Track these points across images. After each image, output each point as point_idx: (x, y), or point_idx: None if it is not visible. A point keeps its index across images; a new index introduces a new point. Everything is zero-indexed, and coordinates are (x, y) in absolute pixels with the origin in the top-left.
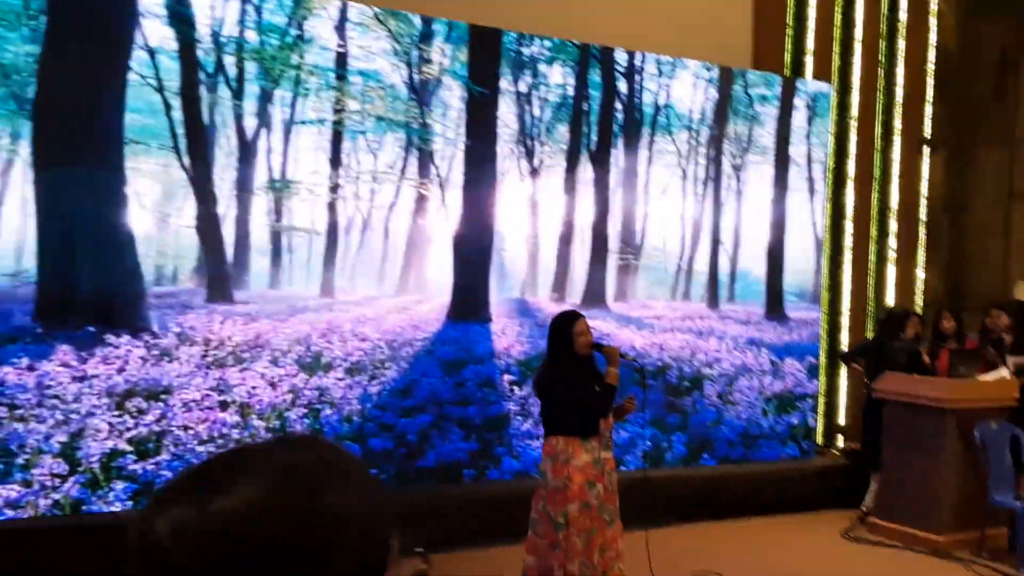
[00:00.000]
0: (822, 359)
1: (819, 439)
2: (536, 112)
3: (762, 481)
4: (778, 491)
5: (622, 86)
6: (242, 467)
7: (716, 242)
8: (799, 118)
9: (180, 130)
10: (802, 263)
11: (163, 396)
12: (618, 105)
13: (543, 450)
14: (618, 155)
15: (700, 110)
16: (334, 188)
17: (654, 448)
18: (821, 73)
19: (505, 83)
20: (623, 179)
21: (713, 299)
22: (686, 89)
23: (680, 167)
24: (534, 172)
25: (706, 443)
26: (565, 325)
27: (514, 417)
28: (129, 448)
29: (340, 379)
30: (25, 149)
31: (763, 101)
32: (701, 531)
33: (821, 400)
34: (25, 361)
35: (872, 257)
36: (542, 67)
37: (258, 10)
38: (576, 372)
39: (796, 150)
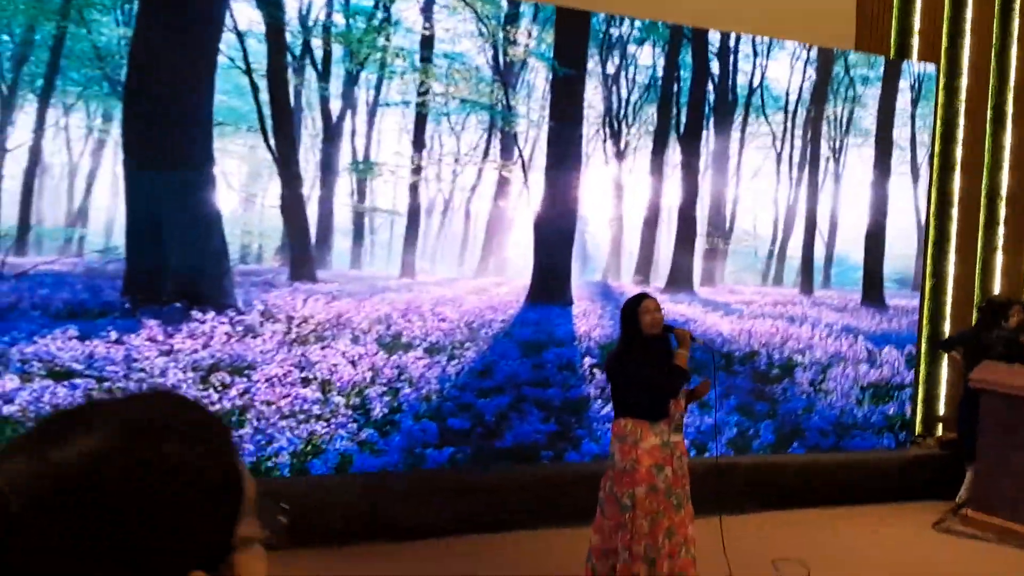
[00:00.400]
0: (922, 348)
1: (917, 429)
2: (623, 93)
3: (853, 470)
4: (869, 481)
5: (714, 67)
6: (84, 420)
7: (811, 226)
8: (903, 100)
9: (267, 111)
10: (903, 249)
11: (247, 371)
12: (710, 86)
13: (612, 431)
14: (709, 137)
15: (797, 91)
16: (416, 170)
17: (740, 435)
18: (928, 55)
19: (592, 64)
20: (713, 161)
21: (807, 285)
22: (783, 70)
23: (775, 149)
24: (620, 154)
25: (796, 432)
26: (634, 305)
27: (594, 400)
28: None
29: (419, 358)
30: (116, 130)
31: (865, 82)
32: (786, 519)
33: (920, 389)
34: (114, 335)
35: (979, 245)
36: (631, 48)
37: None
38: (645, 353)
39: (899, 133)
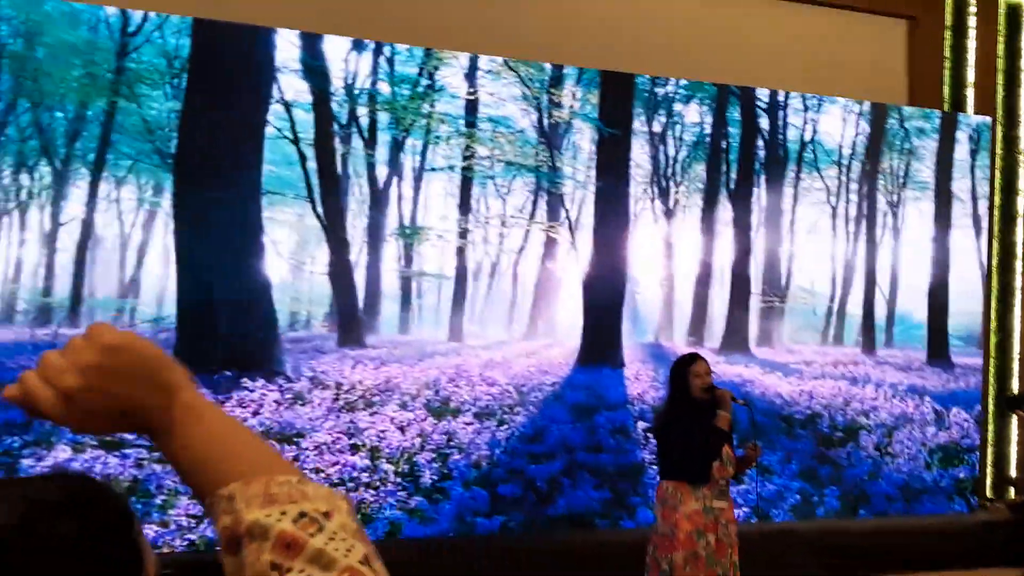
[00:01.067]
0: (989, 407)
1: (987, 492)
2: (671, 151)
3: (919, 536)
4: (937, 547)
5: (764, 122)
6: None
7: (871, 283)
8: (961, 152)
9: (314, 180)
10: (968, 305)
11: (296, 439)
12: (760, 142)
13: (656, 494)
14: (760, 193)
15: (851, 145)
16: (463, 233)
17: (803, 501)
18: (983, 107)
19: (638, 123)
20: (766, 218)
21: (868, 344)
22: (835, 123)
23: (829, 204)
24: (669, 212)
25: (862, 497)
26: (683, 366)
27: (649, 466)
28: None
29: (468, 424)
30: (166, 201)
31: (921, 135)
32: None
33: (988, 451)
34: None
35: None
36: (677, 106)
37: (390, 62)
38: (689, 415)
39: (959, 186)
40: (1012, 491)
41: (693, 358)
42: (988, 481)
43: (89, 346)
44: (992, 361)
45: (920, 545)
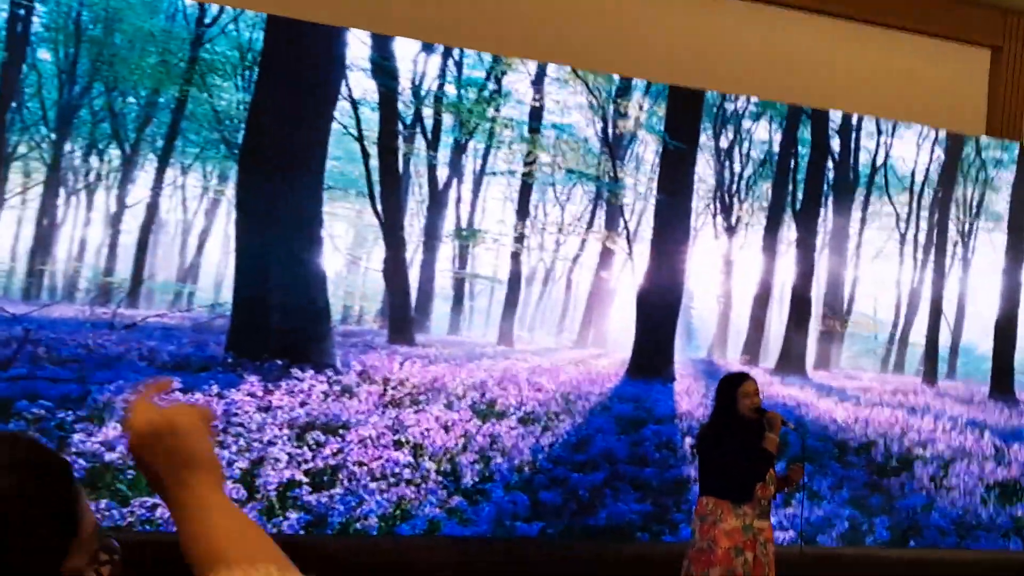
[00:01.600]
0: None
1: None
2: (736, 168)
3: (968, 570)
4: None
5: (835, 144)
6: None
7: (937, 312)
8: None
9: (375, 177)
10: None
11: (341, 431)
12: (829, 163)
13: (695, 509)
14: (827, 215)
15: (924, 172)
16: (519, 238)
17: (851, 529)
18: None
19: (704, 138)
20: (831, 240)
21: (930, 374)
22: (908, 149)
23: (898, 230)
24: (731, 229)
25: (914, 529)
26: (732, 385)
27: (694, 483)
28: (305, 479)
29: (513, 428)
30: (230, 190)
31: (997, 165)
32: None
33: None
34: (215, 388)
35: None
36: (746, 123)
37: (458, 65)
38: (735, 434)
39: None
40: None
41: (743, 377)
42: None
43: (166, 412)
44: None
45: None
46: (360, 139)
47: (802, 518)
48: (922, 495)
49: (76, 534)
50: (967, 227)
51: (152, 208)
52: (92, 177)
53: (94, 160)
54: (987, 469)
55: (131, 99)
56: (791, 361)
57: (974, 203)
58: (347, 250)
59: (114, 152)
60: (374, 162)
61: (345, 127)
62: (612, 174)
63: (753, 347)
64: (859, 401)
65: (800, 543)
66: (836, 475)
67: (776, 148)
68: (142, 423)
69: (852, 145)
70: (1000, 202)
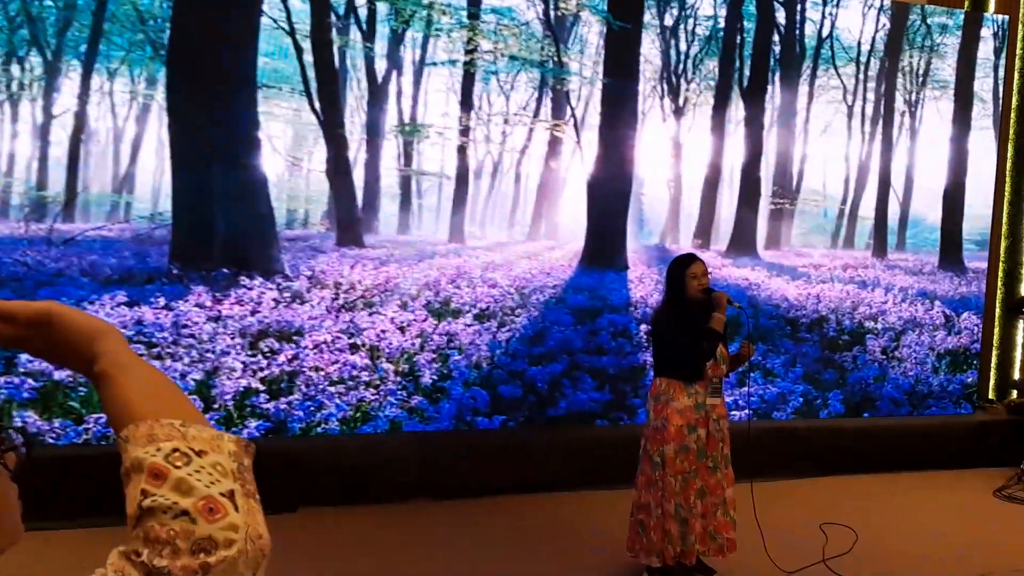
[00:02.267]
0: (996, 310)
1: (990, 394)
2: (682, 47)
3: (915, 435)
4: (933, 446)
5: (780, 16)
6: None
7: (885, 185)
8: (985, 50)
9: (311, 73)
10: (984, 209)
11: (295, 337)
12: (775, 37)
13: (649, 390)
14: (774, 91)
15: (870, 41)
16: (465, 131)
17: (806, 404)
18: (1005, 8)
19: (648, 16)
20: (779, 117)
21: (880, 247)
22: (854, 18)
23: (845, 103)
24: (678, 111)
25: (867, 401)
26: (680, 267)
27: (650, 368)
28: (262, 387)
29: (469, 325)
30: (160, 94)
31: (943, 31)
32: (843, 484)
33: (993, 354)
34: (162, 301)
35: None
36: None
37: None
38: (685, 315)
39: (980, 85)
40: (1015, 393)
41: (691, 259)
42: (991, 383)
43: (14, 320)
44: (1001, 265)
45: (916, 445)
46: (292, 33)
47: (748, 396)
48: (874, 367)
49: None
50: (914, 96)
51: (80, 117)
52: (15, 87)
53: (15, 69)
54: (938, 338)
55: (48, 1)
56: (742, 242)
57: (920, 72)
58: (287, 151)
59: (35, 59)
60: (308, 57)
61: (275, 20)
62: (556, 59)
63: (705, 230)
64: (810, 278)
65: (750, 418)
66: (789, 352)
67: (722, 24)
68: (32, 307)
69: (797, 17)
70: (946, 69)
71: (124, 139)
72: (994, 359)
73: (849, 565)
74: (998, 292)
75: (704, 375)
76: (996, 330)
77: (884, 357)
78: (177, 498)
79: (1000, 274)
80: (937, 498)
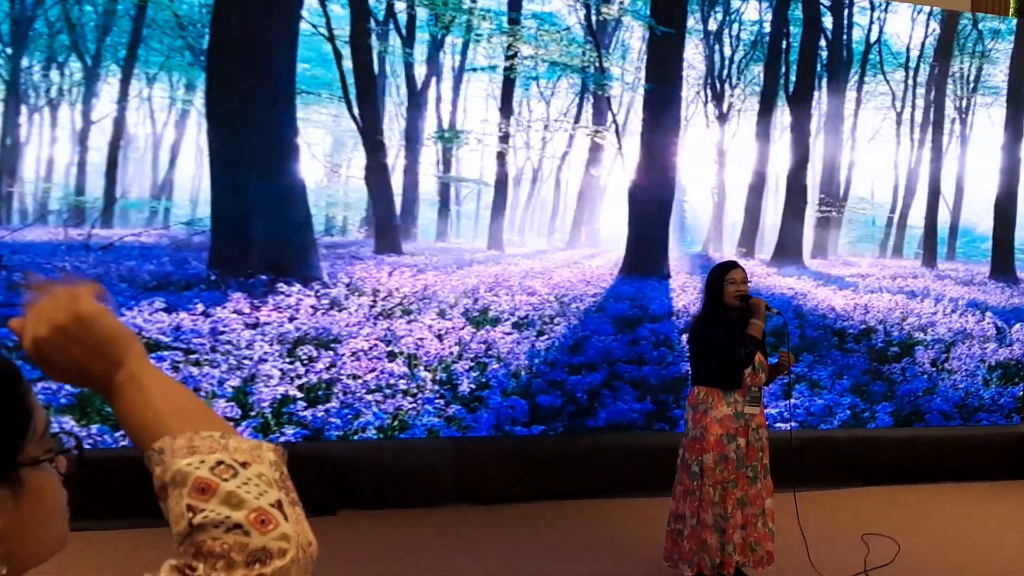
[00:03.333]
0: None
1: None
2: (727, 52)
3: (959, 447)
4: (981, 458)
5: (827, 21)
6: None
7: (935, 193)
8: None
9: (350, 79)
10: None
11: (333, 345)
12: (822, 42)
13: (687, 399)
14: (821, 97)
15: (919, 47)
16: (504, 137)
17: (854, 417)
18: None
19: (692, 21)
20: (826, 123)
21: (930, 256)
22: (903, 23)
23: (894, 110)
24: (723, 117)
25: (916, 414)
26: (718, 273)
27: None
28: (300, 394)
29: (507, 333)
30: (199, 99)
31: (995, 37)
32: (885, 495)
33: None
34: (200, 307)
35: None
36: (735, 3)
37: None
38: (723, 322)
39: None
40: None
41: (730, 266)
42: None
43: (65, 307)
44: None
45: (960, 456)
46: (331, 38)
47: (792, 408)
48: (924, 380)
49: (28, 425)
50: (964, 103)
51: (119, 122)
52: (55, 92)
53: (55, 74)
54: (988, 350)
55: (88, 7)
56: (788, 251)
57: (971, 77)
58: (325, 158)
59: (75, 65)
60: (347, 63)
61: (314, 26)
62: (598, 65)
63: (749, 239)
64: (857, 288)
65: (791, 427)
66: (836, 364)
67: (767, 29)
68: (88, 303)
69: (845, 22)
70: (998, 75)
71: (163, 145)
72: None
73: None
74: None
75: (743, 383)
76: None
77: (934, 369)
78: (229, 512)
79: None
80: (981, 510)
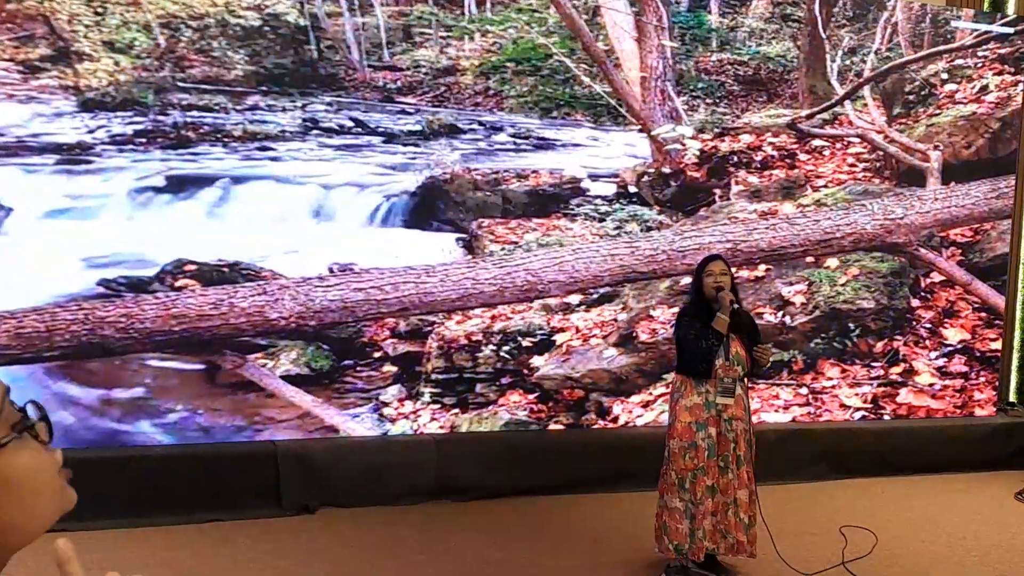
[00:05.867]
0: (1018, 312)
1: (1011, 397)
2: None
3: (935, 438)
4: (954, 449)
5: None
6: None
7: None
8: None
9: None
10: None
11: None
12: None
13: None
14: None
15: None
16: None
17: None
18: None
19: None
20: None
21: None
22: None
23: None
24: None
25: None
26: (701, 266)
27: None
28: None
29: None
30: None
31: None
32: (862, 487)
33: (1014, 356)
34: None
35: None
36: None
37: None
38: (697, 314)
39: None
40: None
41: (711, 258)
42: (1012, 386)
43: None
44: (1022, 267)
45: (936, 448)
46: None
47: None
48: None
49: None
50: None
51: None
52: None
53: None
54: None
55: None
56: None
57: None
58: None
59: None
60: None
61: None
62: None
63: None
64: None
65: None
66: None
67: None
68: None
69: None
70: None
71: None
72: (1015, 361)
73: (868, 568)
74: (1019, 293)
75: (713, 374)
76: (1018, 332)
77: None
78: None
79: (1021, 275)
80: (958, 501)
